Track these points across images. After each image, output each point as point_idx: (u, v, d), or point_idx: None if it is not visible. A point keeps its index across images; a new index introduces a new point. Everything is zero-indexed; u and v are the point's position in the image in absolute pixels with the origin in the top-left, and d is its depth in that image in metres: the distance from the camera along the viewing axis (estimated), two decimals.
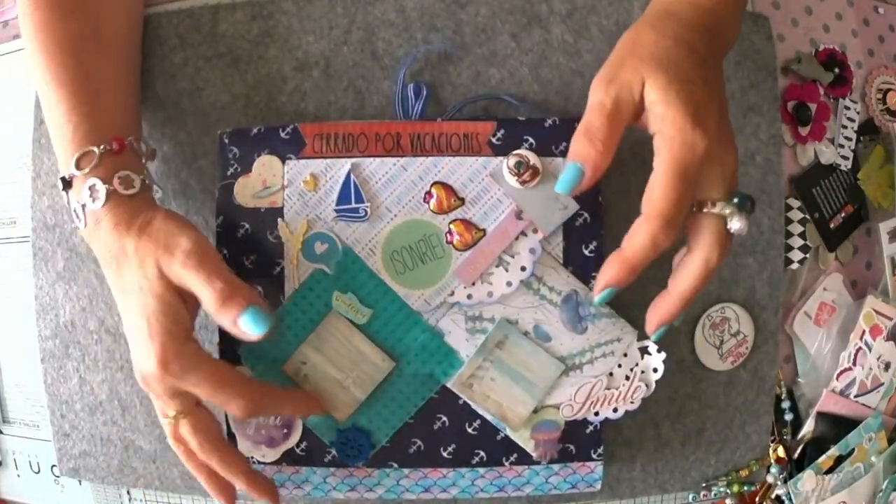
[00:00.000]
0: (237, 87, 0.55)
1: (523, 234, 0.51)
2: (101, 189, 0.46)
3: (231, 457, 0.49)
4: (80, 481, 0.61)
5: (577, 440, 0.53)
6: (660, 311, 0.46)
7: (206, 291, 0.45)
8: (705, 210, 0.43)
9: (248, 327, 0.45)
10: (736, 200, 0.44)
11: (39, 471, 0.62)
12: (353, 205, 0.51)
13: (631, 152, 0.55)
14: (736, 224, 0.44)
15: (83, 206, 0.47)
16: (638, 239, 0.43)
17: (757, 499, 0.61)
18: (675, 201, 0.42)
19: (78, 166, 0.47)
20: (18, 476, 0.63)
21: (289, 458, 0.53)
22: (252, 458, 0.53)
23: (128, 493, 0.60)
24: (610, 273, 0.44)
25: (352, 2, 0.55)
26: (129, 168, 0.47)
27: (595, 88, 0.44)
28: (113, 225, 0.46)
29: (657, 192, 0.42)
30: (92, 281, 0.57)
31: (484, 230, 0.51)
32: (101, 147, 0.47)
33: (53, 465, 0.61)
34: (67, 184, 0.47)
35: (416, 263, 0.51)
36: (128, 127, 0.50)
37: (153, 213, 0.48)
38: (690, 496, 0.60)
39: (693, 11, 0.46)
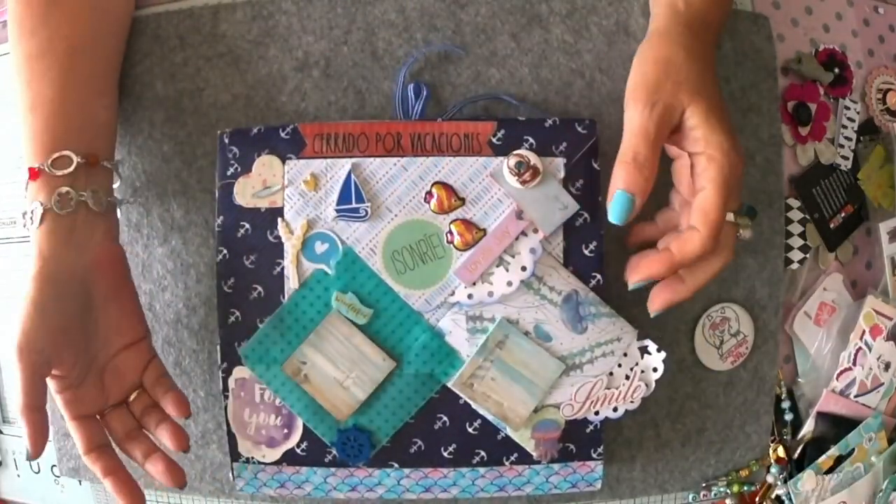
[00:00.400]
0: (237, 87, 0.55)
1: (524, 233, 0.51)
2: (38, 212, 0.49)
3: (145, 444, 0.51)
4: (80, 481, 0.61)
5: (577, 440, 0.53)
6: (668, 296, 0.49)
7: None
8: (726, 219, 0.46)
9: None
10: (744, 211, 0.48)
11: (39, 471, 0.62)
12: (354, 204, 0.51)
13: None
14: (747, 233, 0.48)
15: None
16: (691, 246, 0.46)
17: (757, 499, 0.61)
18: (724, 215, 0.46)
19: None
20: (18, 476, 0.63)
21: (289, 458, 0.53)
22: (252, 457, 0.53)
23: None
24: (655, 268, 0.47)
25: (352, 2, 0.55)
26: (86, 185, 0.49)
27: (634, 111, 0.46)
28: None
29: (711, 208, 0.45)
30: None
31: (484, 230, 0.51)
32: (47, 165, 0.49)
33: (53, 465, 0.61)
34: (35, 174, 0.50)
35: (417, 263, 0.51)
36: (69, 142, 0.50)
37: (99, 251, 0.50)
38: (690, 496, 0.60)
39: (706, 28, 0.49)
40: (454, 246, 0.51)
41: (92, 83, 0.52)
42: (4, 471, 0.64)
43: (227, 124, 0.55)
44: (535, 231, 0.51)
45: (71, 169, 0.49)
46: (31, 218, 0.49)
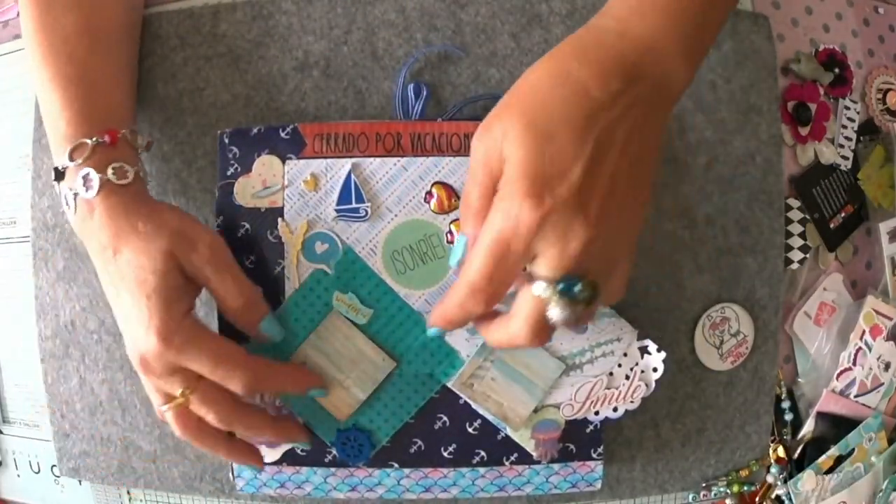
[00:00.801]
0: (237, 87, 0.55)
1: None
2: (95, 178, 0.46)
3: (253, 415, 0.49)
4: (80, 481, 0.61)
5: (577, 439, 0.53)
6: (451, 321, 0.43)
7: (232, 293, 0.47)
8: (527, 285, 0.39)
9: (269, 332, 0.49)
10: (561, 286, 0.38)
11: (39, 471, 0.62)
12: (354, 205, 0.51)
13: None
14: (554, 313, 0.38)
15: (76, 194, 0.47)
16: (450, 300, 0.41)
17: (757, 499, 0.61)
18: (487, 276, 0.39)
19: (71, 158, 0.47)
20: (18, 476, 0.63)
21: (289, 458, 0.53)
22: None
23: (128, 493, 0.60)
24: (434, 317, 0.44)
25: (352, 2, 0.55)
26: (122, 160, 0.48)
27: (473, 141, 0.40)
28: (109, 212, 0.47)
29: (470, 260, 0.39)
30: (92, 281, 0.57)
31: None
32: (94, 139, 0.47)
33: (53, 465, 0.61)
34: (60, 175, 0.48)
35: (417, 263, 0.51)
36: (122, 120, 0.50)
37: (158, 204, 0.49)
38: (690, 496, 0.60)
39: (617, 42, 0.40)
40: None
41: (132, 58, 0.54)
42: (4, 471, 0.64)
43: (227, 124, 0.55)
44: None
45: (131, 137, 0.49)
46: (88, 186, 0.47)
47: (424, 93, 0.53)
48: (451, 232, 0.51)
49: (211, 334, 0.47)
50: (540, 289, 0.38)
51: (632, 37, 0.40)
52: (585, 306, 0.39)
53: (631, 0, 0.41)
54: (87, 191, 0.47)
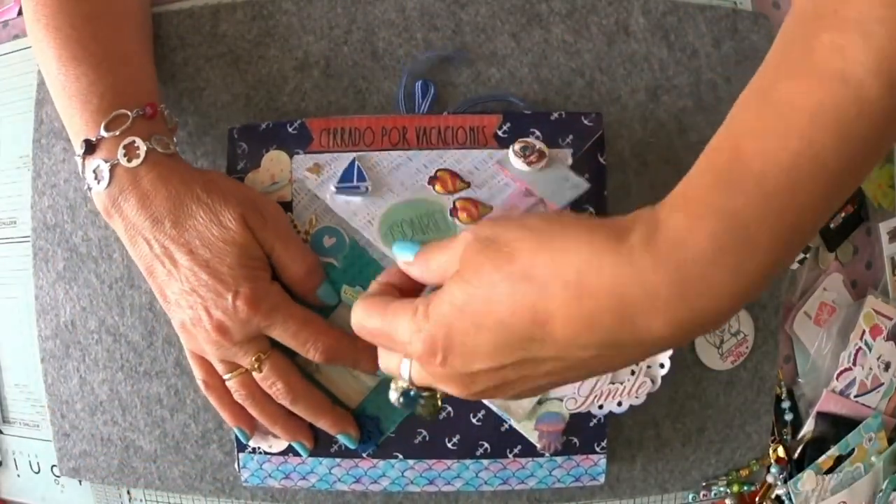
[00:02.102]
0: (237, 87, 0.55)
1: (535, 208, 0.50)
2: (142, 146, 0.46)
3: (316, 393, 0.50)
4: (80, 481, 0.61)
5: (580, 433, 0.53)
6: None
7: (297, 260, 0.48)
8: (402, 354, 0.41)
9: (325, 297, 0.50)
10: (409, 391, 0.42)
11: (39, 471, 0.62)
12: (355, 183, 0.51)
13: (633, 152, 0.56)
14: (392, 395, 0.43)
15: (113, 166, 0.46)
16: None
17: (757, 499, 0.61)
18: (364, 332, 0.42)
19: (108, 129, 0.46)
20: (18, 476, 0.63)
21: (294, 449, 0.53)
22: (259, 448, 0.53)
23: (128, 493, 0.60)
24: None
25: (352, 2, 0.55)
26: (162, 134, 0.47)
27: (467, 235, 0.39)
28: (162, 181, 0.46)
29: (366, 310, 0.41)
30: (92, 281, 0.57)
31: (491, 207, 0.50)
32: (136, 111, 0.47)
33: (53, 465, 0.61)
34: (91, 148, 0.46)
35: (417, 234, 0.50)
36: (155, 95, 0.50)
37: (210, 172, 0.49)
38: (690, 496, 0.60)
39: (611, 292, 0.33)
40: (458, 220, 0.51)
41: (150, 42, 0.54)
42: (4, 471, 0.64)
43: (228, 124, 0.55)
44: (545, 206, 0.50)
45: (170, 119, 0.49)
46: (139, 155, 0.46)
47: (432, 91, 0.53)
48: (455, 208, 0.51)
49: (294, 302, 0.48)
50: (401, 371, 0.40)
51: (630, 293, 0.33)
52: (421, 409, 0.42)
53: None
54: (129, 161, 0.45)
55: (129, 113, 0.46)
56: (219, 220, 0.46)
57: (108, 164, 0.46)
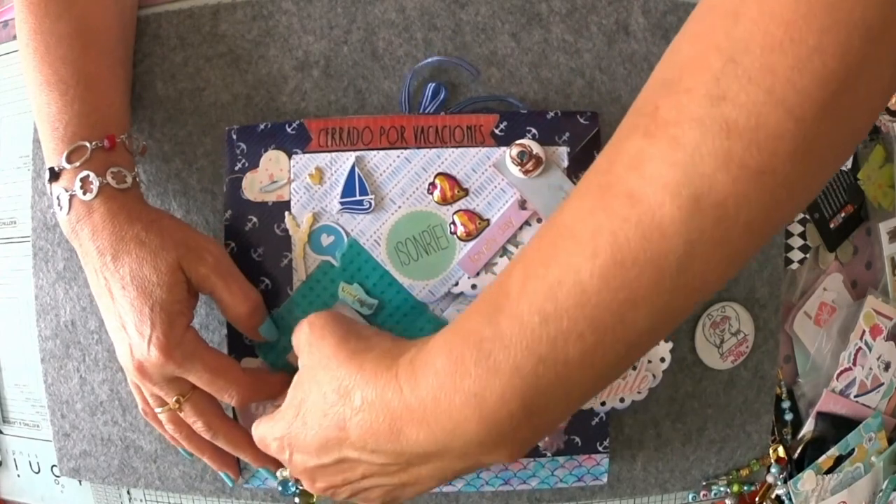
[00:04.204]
0: (237, 87, 0.55)
1: (527, 223, 0.51)
2: (95, 181, 0.47)
3: (236, 430, 0.51)
4: (80, 481, 0.61)
5: (582, 432, 0.53)
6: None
7: (239, 299, 0.49)
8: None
9: (267, 334, 0.51)
10: (287, 483, 0.53)
11: (39, 471, 0.62)
12: (358, 197, 0.51)
13: None
14: (281, 483, 0.53)
15: (71, 196, 0.47)
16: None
17: (757, 499, 0.61)
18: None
19: (69, 160, 0.47)
20: (18, 476, 0.63)
21: None
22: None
23: (128, 493, 0.60)
24: None
25: (352, 1, 0.55)
26: (120, 165, 0.48)
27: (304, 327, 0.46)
28: (110, 216, 0.47)
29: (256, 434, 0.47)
30: None
31: (488, 220, 0.51)
32: (94, 144, 0.47)
33: (53, 465, 0.61)
34: (55, 176, 0.48)
35: (421, 254, 0.51)
36: (119, 124, 0.50)
37: (156, 212, 0.49)
38: (690, 496, 0.60)
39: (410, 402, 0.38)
40: (458, 237, 0.51)
41: (126, 60, 0.54)
42: (4, 471, 0.64)
43: (228, 124, 0.55)
44: (539, 220, 0.51)
45: (128, 143, 0.50)
46: (93, 190, 0.47)
47: (442, 94, 0.53)
48: (454, 222, 0.51)
49: (209, 349, 0.48)
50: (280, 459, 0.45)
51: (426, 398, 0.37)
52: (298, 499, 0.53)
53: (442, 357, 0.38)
54: (84, 194, 0.47)
55: (87, 145, 0.47)
56: (151, 260, 0.46)
57: (68, 193, 0.47)
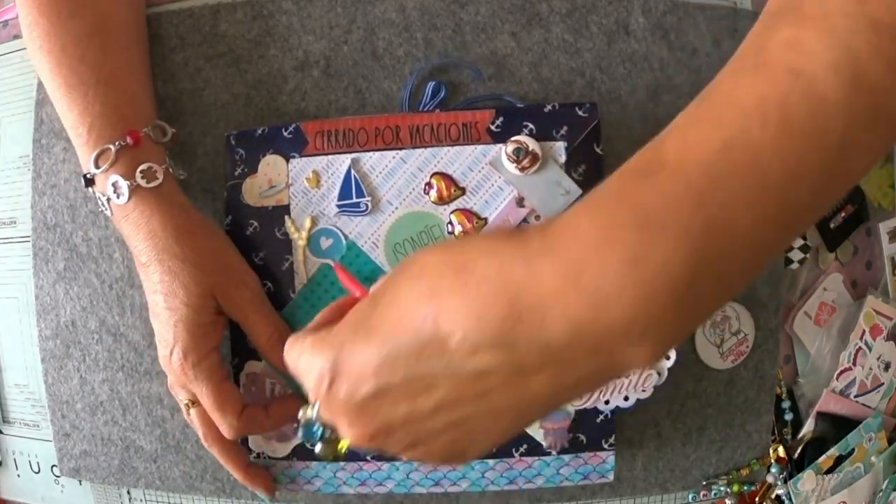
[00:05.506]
0: (237, 87, 0.55)
1: (525, 221, 0.51)
2: (124, 186, 0.47)
3: (233, 450, 0.51)
4: (80, 481, 0.60)
5: (587, 430, 0.53)
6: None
7: (267, 331, 0.49)
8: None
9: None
10: (311, 426, 0.40)
11: (39, 471, 0.62)
12: (355, 199, 0.51)
13: (632, 152, 0.55)
14: (300, 431, 0.41)
15: (108, 199, 0.48)
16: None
17: (757, 498, 0.61)
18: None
19: (97, 164, 0.47)
20: (18, 476, 0.63)
21: (299, 453, 0.53)
22: (263, 452, 0.53)
23: (128, 493, 0.60)
24: None
25: (352, 1, 0.55)
26: (149, 159, 0.48)
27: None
28: (144, 219, 0.47)
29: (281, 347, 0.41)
30: (92, 281, 0.57)
31: (486, 219, 0.51)
32: (117, 143, 0.47)
33: (53, 465, 0.61)
34: (89, 182, 0.48)
35: None
36: (143, 116, 0.50)
37: (194, 220, 0.49)
38: (691, 496, 0.60)
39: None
40: (455, 237, 0.51)
41: (144, 53, 0.54)
42: (4, 471, 0.64)
43: (228, 124, 0.55)
44: (538, 218, 0.51)
45: (153, 134, 0.50)
46: (123, 193, 0.47)
47: (442, 93, 0.53)
48: (451, 222, 0.51)
49: (221, 380, 0.48)
50: (308, 398, 0.38)
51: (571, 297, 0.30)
52: (320, 449, 0.41)
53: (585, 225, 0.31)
54: (118, 198, 0.47)
55: (111, 147, 0.47)
56: (183, 278, 0.47)
57: (104, 197, 0.48)
